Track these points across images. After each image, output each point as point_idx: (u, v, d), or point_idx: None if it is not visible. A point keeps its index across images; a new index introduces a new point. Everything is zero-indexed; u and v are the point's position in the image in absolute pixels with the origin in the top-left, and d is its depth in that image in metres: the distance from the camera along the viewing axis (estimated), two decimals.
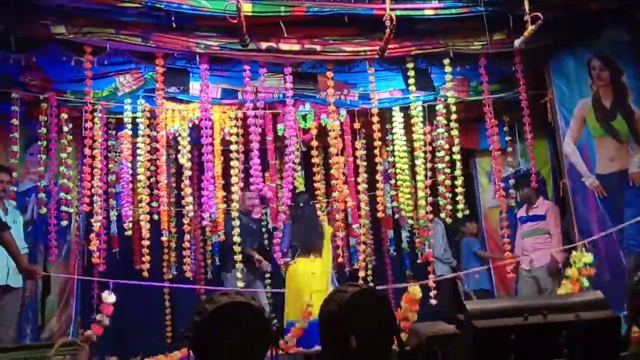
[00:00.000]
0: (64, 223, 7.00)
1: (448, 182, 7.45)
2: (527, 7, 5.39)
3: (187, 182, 7.07)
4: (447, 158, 7.41)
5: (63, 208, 6.98)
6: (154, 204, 7.29)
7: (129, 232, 7.27)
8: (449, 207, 7.53)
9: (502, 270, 8.02)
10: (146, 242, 7.05)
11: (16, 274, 6.14)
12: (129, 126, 7.17)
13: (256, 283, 7.61)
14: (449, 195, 7.50)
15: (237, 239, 6.95)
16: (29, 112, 6.93)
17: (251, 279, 7.47)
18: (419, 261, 8.44)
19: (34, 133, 6.96)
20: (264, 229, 8.48)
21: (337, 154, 7.21)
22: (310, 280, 7.04)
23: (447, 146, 7.42)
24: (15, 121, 6.58)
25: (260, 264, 7.46)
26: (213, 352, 2.61)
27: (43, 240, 7.10)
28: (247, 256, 7.25)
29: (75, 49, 6.34)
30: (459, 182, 7.47)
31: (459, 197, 7.50)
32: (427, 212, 7.40)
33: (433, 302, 7.32)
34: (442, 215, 7.66)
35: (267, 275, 8.00)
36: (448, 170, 7.46)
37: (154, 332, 8.18)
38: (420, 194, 7.38)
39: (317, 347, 5.86)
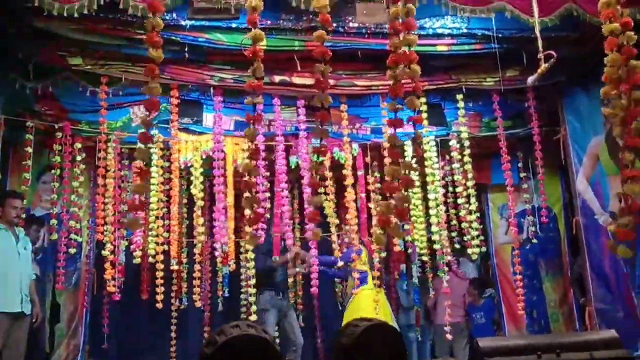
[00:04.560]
0: (72, 251, 7.01)
1: (469, 217, 7.45)
2: (540, 45, 5.41)
3: (199, 212, 7.08)
4: (465, 193, 7.43)
5: (72, 236, 7.00)
6: (165, 234, 7.32)
7: (138, 260, 7.29)
8: (473, 242, 7.53)
9: (512, 306, 7.99)
10: (160, 273, 7.05)
11: (28, 301, 6.18)
12: None
13: (290, 312, 7.68)
14: (473, 232, 7.49)
15: None
16: (43, 140, 6.99)
17: (283, 306, 7.53)
18: (431, 296, 8.43)
19: (48, 161, 7.02)
20: None
21: (348, 188, 7.21)
22: (373, 308, 7.17)
23: (463, 181, 7.44)
24: (29, 149, 6.63)
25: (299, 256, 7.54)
26: None
27: (52, 268, 7.13)
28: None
29: (91, 79, 6.40)
30: (473, 217, 7.46)
31: (475, 233, 7.49)
32: (442, 248, 7.44)
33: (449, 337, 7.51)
34: (469, 251, 7.64)
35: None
36: (467, 206, 7.47)
37: None
38: (434, 229, 7.39)
39: None
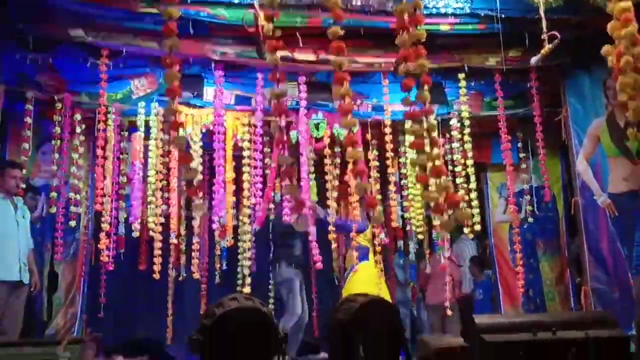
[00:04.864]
0: (72, 223, 7.02)
1: (467, 196, 7.47)
2: (544, 25, 5.39)
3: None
4: (463, 173, 7.44)
5: (72, 209, 7.01)
6: (164, 206, 7.34)
7: (137, 234, 7.32)
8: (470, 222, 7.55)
9: (509, 284, 8.04)
10: (158, 244, 7.08)
11: (26, 270, 6.21)
12: (142, 129, 7.21)
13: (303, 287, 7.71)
14: (469, 210, 7.51)
15: None
16: (43, 111, 6.97)
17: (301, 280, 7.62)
18: (427, 272, 8.48)
19: (47, 132, 7.01)
20: None
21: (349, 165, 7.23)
22: (374, 284, 7.22)
23: (462, 160, 7.45)
24: (28, 120, 6.62)
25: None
26: (220, 356, 2.60)
27: (51, 238, 7.17)
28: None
29: (92, 51, 6.39)
30: (473, 195, 7.48)
31: (474, 211, 7.51)
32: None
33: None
34: (465, 230, 7.67)
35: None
36: (466, 185, 7.48)
37: (157, 332, 8.21)
38: None
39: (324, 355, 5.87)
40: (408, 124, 4.38)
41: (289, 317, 7.26)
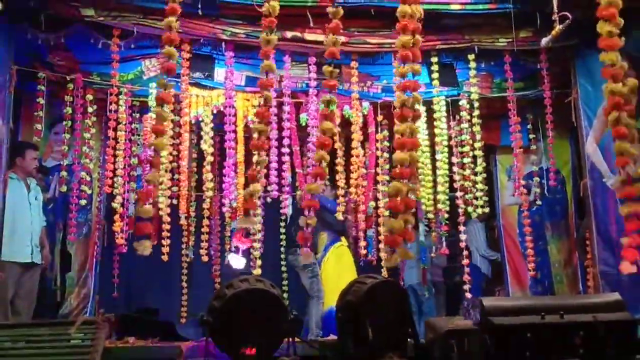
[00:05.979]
0: (83, 202, 7.08)
1: (473, 177, 7.47)
2: (555, 6, 5.36)
3: (208, 167, 7.12)
4: (471, 154, 7.44)
5: (83, 188, 7.06)
6: (174, 188, 7.38)
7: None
8: (475, 202, 7.56)
9: (517, 267, 8.05)
10: (167, 226, 7.13)
11: (38, 252, 6.27)
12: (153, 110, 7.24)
13: None
14: (474, 190, 7.52)
15: None
16: (55, 91, 7.02)
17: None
18: (432, 255, 8.49)
19: (59, 112, 7.06)
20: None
21: (357, 146, 7.24)
22: (350, 266, 7.27)
23: (470, 142, 7.44)
24: (41, 100, 6.66)
25: None
26: (230, 337, 2.65)
27: (63, 218, 7.23)
28: None
29: (103, 31, 6.40)
30: (479, 178, 7.48)
31: (480, 194, 7.51)
32: (444, 208, 7.50)
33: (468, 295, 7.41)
34: (469, 209, 7.67)
35: None
36: (472, 166, 7.48)
37: (169, 313, 8.28)
38: (441, 188, 7.42)
39: (333, 336, 5.90)
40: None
41: (318, 303, 7.18)
